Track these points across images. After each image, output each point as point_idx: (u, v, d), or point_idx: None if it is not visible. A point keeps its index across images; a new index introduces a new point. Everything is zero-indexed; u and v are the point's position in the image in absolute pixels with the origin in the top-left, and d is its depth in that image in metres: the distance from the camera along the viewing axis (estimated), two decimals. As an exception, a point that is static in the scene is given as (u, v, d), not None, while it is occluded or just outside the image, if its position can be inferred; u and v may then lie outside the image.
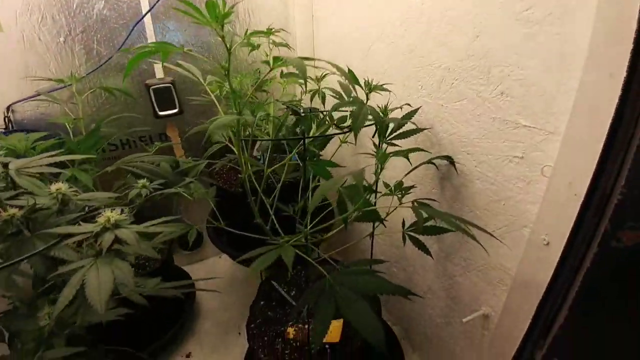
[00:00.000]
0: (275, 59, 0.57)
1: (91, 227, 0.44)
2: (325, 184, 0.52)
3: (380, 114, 0.71)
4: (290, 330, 1.01)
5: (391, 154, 0.66)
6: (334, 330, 0.98)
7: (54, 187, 0.55)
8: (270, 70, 0.61)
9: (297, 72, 0.50)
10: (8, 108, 1.21)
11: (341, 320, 1.00)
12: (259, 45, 0.92)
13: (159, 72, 1.32)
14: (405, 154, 0.68)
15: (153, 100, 1.29)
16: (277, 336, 1.00)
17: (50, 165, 0.58)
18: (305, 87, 0.57)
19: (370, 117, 0.62)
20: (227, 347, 1.33)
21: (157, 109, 1.30)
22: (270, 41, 1.02)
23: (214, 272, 1.64)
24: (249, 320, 1.06)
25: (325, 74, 1.03)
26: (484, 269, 0.89)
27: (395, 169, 1.11)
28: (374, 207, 0.67)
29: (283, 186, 0.95)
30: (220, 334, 1.39)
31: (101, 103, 1.31)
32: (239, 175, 1.27)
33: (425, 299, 1.15)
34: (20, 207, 0.52)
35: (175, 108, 1.33)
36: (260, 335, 1.00)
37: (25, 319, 0.51)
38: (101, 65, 1.22)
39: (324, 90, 0.99)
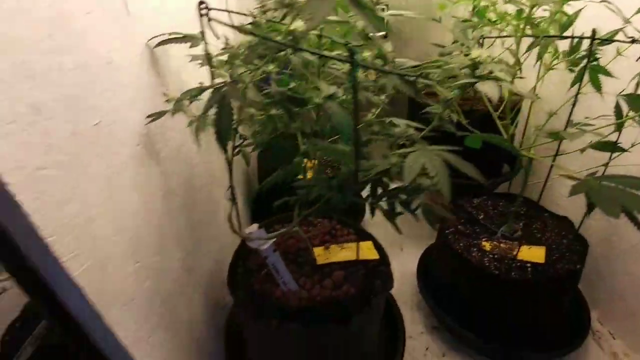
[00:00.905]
0: None
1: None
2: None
3: None
4: (486, 244, 1.03)
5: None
6: (538, 253, 0.97)
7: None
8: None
9: None
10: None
11: (544, 248, 0.99)
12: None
13: None
14: None
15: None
16: (471, 246, 1.04)
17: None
18: None
19: None
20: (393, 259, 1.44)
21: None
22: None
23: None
24: (441, 227, 1.12)
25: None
26: None
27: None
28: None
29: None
30: (386, 246, 1.50)
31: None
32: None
33: (628, 259, 1.05)
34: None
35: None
36: (456, 240, 1.05)
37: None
38: None
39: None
